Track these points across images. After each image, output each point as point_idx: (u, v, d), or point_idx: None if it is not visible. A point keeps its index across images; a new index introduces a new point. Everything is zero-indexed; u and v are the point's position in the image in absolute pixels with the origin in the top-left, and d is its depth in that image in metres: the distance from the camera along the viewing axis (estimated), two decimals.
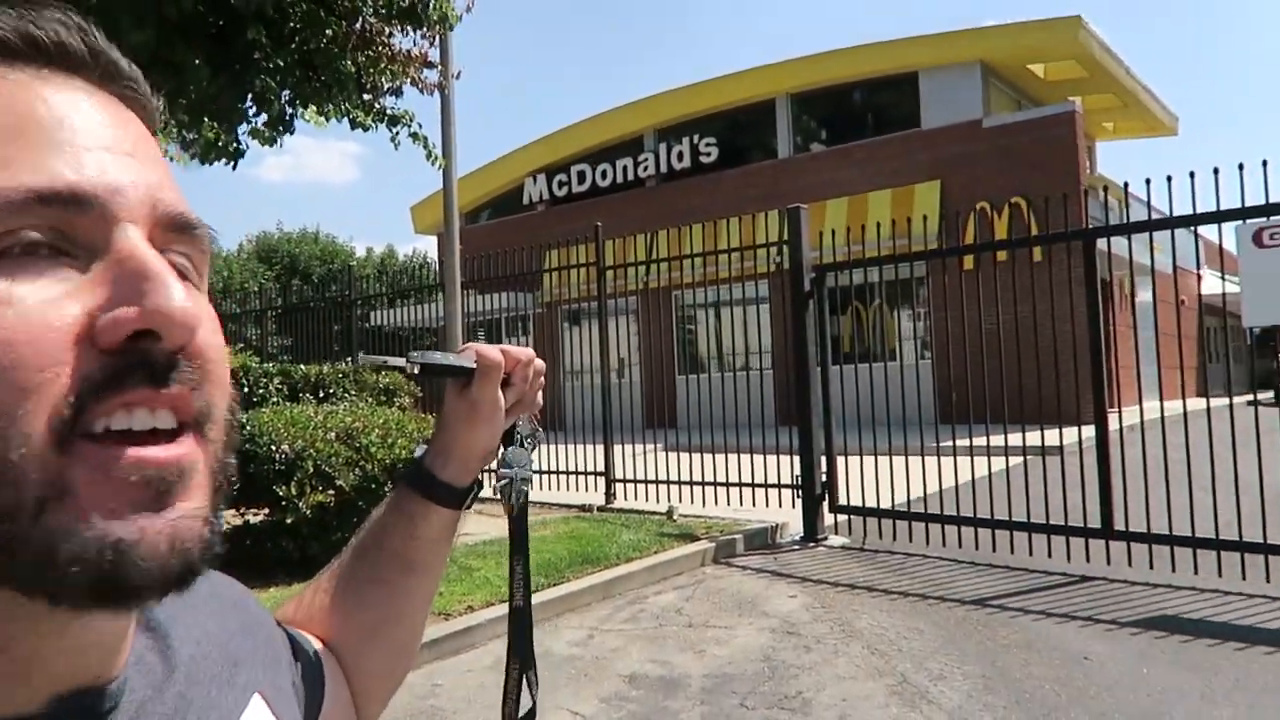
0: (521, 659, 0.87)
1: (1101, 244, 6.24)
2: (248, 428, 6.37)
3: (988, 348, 6.90)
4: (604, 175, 21.54)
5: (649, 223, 12.06)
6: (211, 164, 6.82)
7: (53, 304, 0.41)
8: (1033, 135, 15.99)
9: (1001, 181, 15.69)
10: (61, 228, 0.42)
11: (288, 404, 7.55)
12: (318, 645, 0.77)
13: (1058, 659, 4.51)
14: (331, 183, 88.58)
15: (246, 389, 7.89)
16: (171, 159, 9.73)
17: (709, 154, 20.19)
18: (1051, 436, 6.71)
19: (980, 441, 7.65)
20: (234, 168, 6.78)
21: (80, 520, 0.40)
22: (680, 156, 20.46)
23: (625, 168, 21.23)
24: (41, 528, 0.39)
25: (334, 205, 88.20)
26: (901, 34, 20.96)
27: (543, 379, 0.87)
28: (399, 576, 0.82)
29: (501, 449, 0.87)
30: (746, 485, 8.25)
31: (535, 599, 5.30)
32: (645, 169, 20.99)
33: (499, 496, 0.87)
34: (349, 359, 10.77)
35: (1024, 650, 4.66)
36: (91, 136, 0.45)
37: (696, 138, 20.31)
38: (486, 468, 0.87)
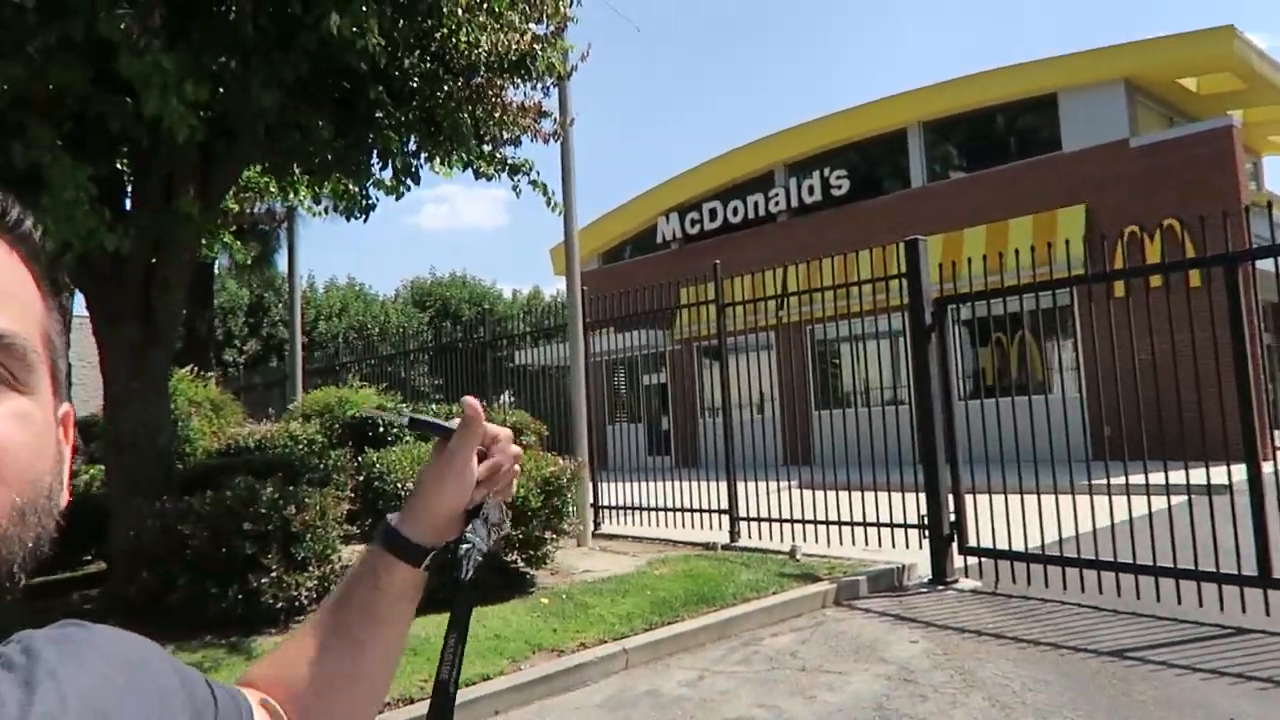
0: None
1: (1265, 266, 5.78)
2: (377, 466, 6.68)
3: (1141, 379, 6.47)
4: (735, 211, 21.60)
5: (781, 257, 11.95)
6: (350, 219, 7.25)
7: None
8: (1186, 153, 15.06)
9: (1153, 203, 14.82)
10: None
11: (419, 443, 7.87)
12: (256, 706, 0.78)
13: (1200, 718, 4.16)
14: (484, 228, 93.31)
15: (381, 429, 8.29)
16: (316, 215, 10.40)
17: (840, 186, 19.97)
18: (1213, 474, 6.17)
19: (1131, 480, 7.14)
20: (365, 220, 7.18)
21: None
22: (811, 190, 20.31)
23: (756, 203, 21.24)
24: None
25: (487, 249, 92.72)
26: (1039, 55, 20.19)
27: (519, 467, 0.92)
28: (361, 629, 0.85)
29: (466, 522, 0.89)
30: (871, 525, 7.99)
31: (648, 638, 5.28)
32: (776, 204, 20.93)
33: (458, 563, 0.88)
34: (484, 397, 11.16)
35: (1162, 708, 4.32)
36: None
37: (827, 170, 20.12)
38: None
